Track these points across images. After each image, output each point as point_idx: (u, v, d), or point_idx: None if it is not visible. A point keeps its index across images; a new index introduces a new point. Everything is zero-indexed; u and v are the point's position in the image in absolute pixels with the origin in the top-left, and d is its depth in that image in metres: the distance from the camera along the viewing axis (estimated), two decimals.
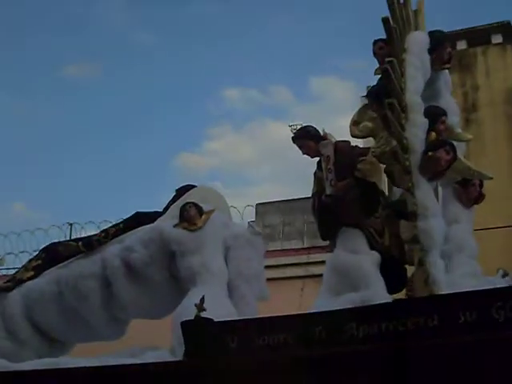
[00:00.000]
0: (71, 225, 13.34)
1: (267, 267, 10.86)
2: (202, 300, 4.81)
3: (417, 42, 5.38)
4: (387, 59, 4.88)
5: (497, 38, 15.67)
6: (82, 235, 11.89)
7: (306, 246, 11.96)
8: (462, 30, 16.03)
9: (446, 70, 5.92)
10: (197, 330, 4.78)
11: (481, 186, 5.97)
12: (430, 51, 5.53)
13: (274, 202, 14.80)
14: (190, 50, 35.19)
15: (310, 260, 11.40)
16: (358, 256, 5.42)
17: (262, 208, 14.79)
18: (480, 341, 4.10)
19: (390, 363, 4.23)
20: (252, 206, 14.17)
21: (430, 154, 4.85)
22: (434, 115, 5.17)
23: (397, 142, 4.77)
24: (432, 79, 5.71)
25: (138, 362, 5.00)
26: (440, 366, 4.12)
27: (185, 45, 35.41)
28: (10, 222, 28.29)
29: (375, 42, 5.37)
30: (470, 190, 5.90)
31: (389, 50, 5.09)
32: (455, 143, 6.03)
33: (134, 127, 34.93)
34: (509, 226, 12.52)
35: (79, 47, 33.14)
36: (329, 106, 34.52)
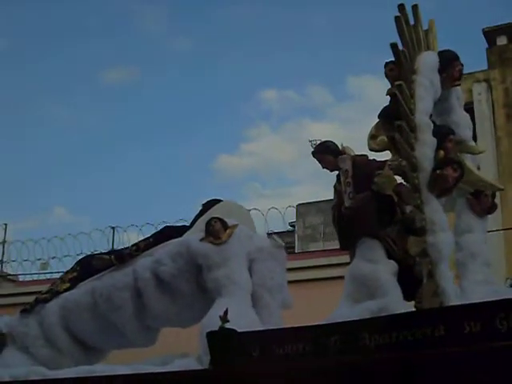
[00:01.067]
0: (113, 228, 13.63)
1: (309, 268, 11.14)
2: (226, 312, 5.14)
3: (426, 63, 5.60)
4: (396, 83, 5.15)
5: None
6: (125, 239, 12.34)
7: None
8: (502, 25, 16.19)
9: (458, 86, 6.17)
10: (221, 341, 5.11)
11: (493, 196, 6.24)
12: (440, 71, 5.77)
13: (314, 202, 14.94)
14: (226, 54, 35.60)
15: None
16: (376, 265, 5.64)
17: (303, 208, 14.96)
18: (484, 350, 4.36)
19: (401, 372, 4.52)
20: (293, 206, 14.28)
21: (438, 171, 5.12)
22: (442, 134, 5.41)
23: (406, 161, 5.05)
24: (444, 96, 5.96)
25: (167, 369, 5.34)
26: (446, 374, 4.40)
27: (220, 49, 35.87)
28: (51, 226, 28.88)
29: (386, 64, 5.60)
30: (482, 201, 6.17)
31: (398, 73, 5.35)
32: (469, 156, 6.33)
33: (173, 131, 35.42)
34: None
35: (118, 52, 33.68)
36: (366, 105, 34.56)
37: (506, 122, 15.04)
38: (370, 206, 5.88)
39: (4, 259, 14.75)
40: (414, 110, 5.21)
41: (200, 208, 6.75)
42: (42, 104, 34.61)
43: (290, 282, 6.61)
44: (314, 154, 6.39)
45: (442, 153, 5.27)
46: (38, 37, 35.30)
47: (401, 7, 5.57)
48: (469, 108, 14.67)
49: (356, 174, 6.08)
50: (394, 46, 5.19)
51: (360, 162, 6.13)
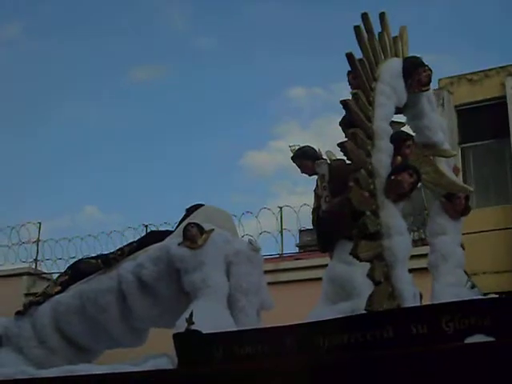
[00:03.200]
0: (146, 226, 13.81)
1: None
2: (191, 314, 5.35)
3: (388, 70, 5.70)
4: (351, 91, 5.31)
5: None
6: None
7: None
8: None
9: (430, 91, 6.27)
10: (186, 342, 5.32)
11: (466, 199, 6.34)
12: (406, 77, 5.87)
13: None
14: (252, 52, 35.79)
15: None
16: (352, 267, 5.76)
17: None
18: (430, 351, 4.48)
19: (351, 372, 4.66)
20: None
21: (393, 177, 5.24)
22: (400, 140, 5.52)
23: (361, 168, 5.18)
24: (414, 101, 6.06)
25: (138, 369, 5.56)
26: (395, 375, 4.52)
27: (247, 46, 36.07)
28: (83, 224, 29.41)
29: (349, 73, 5.75)
30: (455, 203, 6.28)
31: (358, 82, 5.48)
32: (442, 159, 6.43)
33: (201, 128, 35.71)
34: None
35: (144, 51, 34.08)
36: None
37: None
38: (345, 209, 6.02)
39: (38, 258, 15.04)
40: (372, 117, 5.34)
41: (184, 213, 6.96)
42: (68, 102, 35.15)
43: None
44: (292, 159, 6.57)
45: (399, 159, 5.38)
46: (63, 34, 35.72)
47: (364, 16, 5.71)
48: (501, 102, 15.01)
49: (332, 179, 6.23)
50: (349, 56, 5.32)
51: (336, 166, 6.27)
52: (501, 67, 15.58)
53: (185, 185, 32.50)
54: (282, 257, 13.78)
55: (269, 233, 13.62)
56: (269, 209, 13.82)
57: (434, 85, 15.89)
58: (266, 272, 13.26)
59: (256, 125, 34.97)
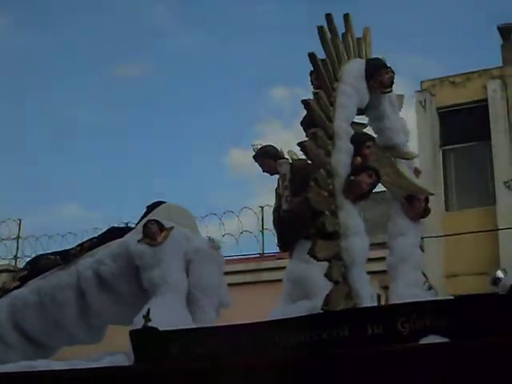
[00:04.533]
0: (127, 224, 13.48)
1: None
2: (149, 311, 5.33)
3: (351, 71, 5.72)
4: (313, 91, 5.32)
5: None
6: None
7: None
8: None
9: (393, 93, 6.30)
10: (142, 339, 5.30)
11: (426, 201, 6.38)
12: (368, 78, 5.89)
13: None
14: (235, 50, 35.76)
15: None
16: (311, 266, 5.79)
17: None
18: (385, 351, 4.51)
19: (307, 370, 4.68)
20: None
21: (352, 177, 5.26)
22: (361, 141, 5.52)
23: (321, 167, 5.19)
24: (376, 103, 6.09)
25: (93, 366, 5.53)
26: (350, 374, 4.55)
27: (231, 45, 35.98)
28: (63, 222, 29.15)
29: (311, 73, 5.76)
30: (415, 205, 6.32)
31: (320, 82, 5.49)
32: (403, 161, 6.47)
33: (183, 125, 35.58)
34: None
35: (128, 47, 33.88)
36: None
37: None
38: (305, 209, 6.03)
39: (18, 255, 15.06)
40: (333, 118, 5.36)
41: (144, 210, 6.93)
42: (54, 94, 34.82)
43: None
44: (254, 158, 6.57)
45: (359, 159, 5.39)
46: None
47: (328, 17, 5.72)
48: (483, 105, 15.17)
49: (293, 178, 6.23)
50: (311, 56, 5.34)
51: (298, 166, 6.27)
52: (483, 70, 15.71)
53: (166, 183, 32.27)
54: (263, 256, 13.83)
55: (250, 232, 13.65)
56: (250, 208, 13.87)
57: (416, 87, 16.11)
58: (248, 271, 13.42)
59: (239, 123, 34.88)
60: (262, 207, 13.81)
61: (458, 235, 13.36)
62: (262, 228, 13.76)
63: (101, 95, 34.83)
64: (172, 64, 35.95)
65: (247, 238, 13.60)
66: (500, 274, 4.61)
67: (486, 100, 15.23)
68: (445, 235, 13.60)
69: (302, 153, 5.38)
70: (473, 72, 15.73)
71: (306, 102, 5.17)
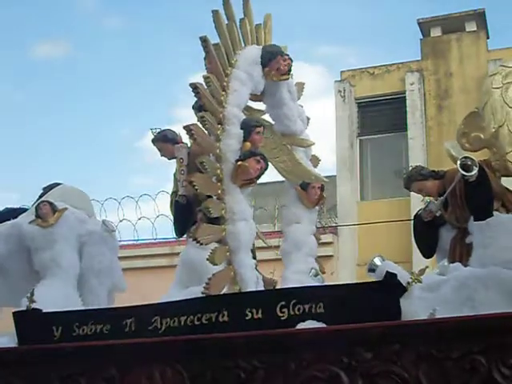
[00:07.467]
0: None
1: None
2: (32, 292, 5.27)
3: (245, 57, 5.72)
4: (203, 75, 5.30)
5: (471, 26, 16.21)
6: None
7: (277, 229, 12.21)
8: (436, 17, 16.64)
9: (291, 80, 6.32)
10: (25, 320, 5.23)
11: (321, 188, 6.45)
12: (264, 65, 5.89)
13: None
14: (157, 35, 35.44)
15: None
16: (205, 251, 5.80)
17: None
18: (264, 336, 4.54)
19: (186, 354, 4.69)
20: None
21: (239, 163, 5.26)
22: (250, 126, 5.51)
23: (209, 152, 5.19)
24: (274, 90, 6.12)
25: None
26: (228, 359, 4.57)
27: (152, 29, 35.65)
28: None
29: (205, 58, 5.75)
30: (310, 193, 6.39)
31: (212, 66, 5.47)
32: (301, 149, 6.52)
33: (101, 108, 35.14)
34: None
35: (49, 25, 33.26)
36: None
37: (437, 112, 15.44)
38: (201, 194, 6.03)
39: None
40: (224, 103, 5.35)
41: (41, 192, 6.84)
42: None
43: None
44: (153, 141, 6.55)
45: (248, 145, 5.40)
46: None
47: (225, 1, 5.71)
48: (401, 97, 15.42)
49: (191, 163, 6.22)
50: (203, 40, 5.31)
51: (195, 151, 6.26)
52: (402, 63, 16.09)
53: (85, 166, 31.81)
54: (178, 241, 13.77)
55: (166, 216, 13.59)
56: (167, 192, 13.71)
57: (335, 76, 16.30)
58: (163, 255, 13.29)
59: (158, 108, 34.58)
60: None
61: (371, 224, 13.61)
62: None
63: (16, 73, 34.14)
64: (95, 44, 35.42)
65: (164, 221, 13.53)
66: (377, 261, 4.67)
67: (403, 92, 15.65)
68: (358, 223, 13.85)
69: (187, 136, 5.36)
70: (392, 64, 16.05)
71: (194, 86, 5.14)
